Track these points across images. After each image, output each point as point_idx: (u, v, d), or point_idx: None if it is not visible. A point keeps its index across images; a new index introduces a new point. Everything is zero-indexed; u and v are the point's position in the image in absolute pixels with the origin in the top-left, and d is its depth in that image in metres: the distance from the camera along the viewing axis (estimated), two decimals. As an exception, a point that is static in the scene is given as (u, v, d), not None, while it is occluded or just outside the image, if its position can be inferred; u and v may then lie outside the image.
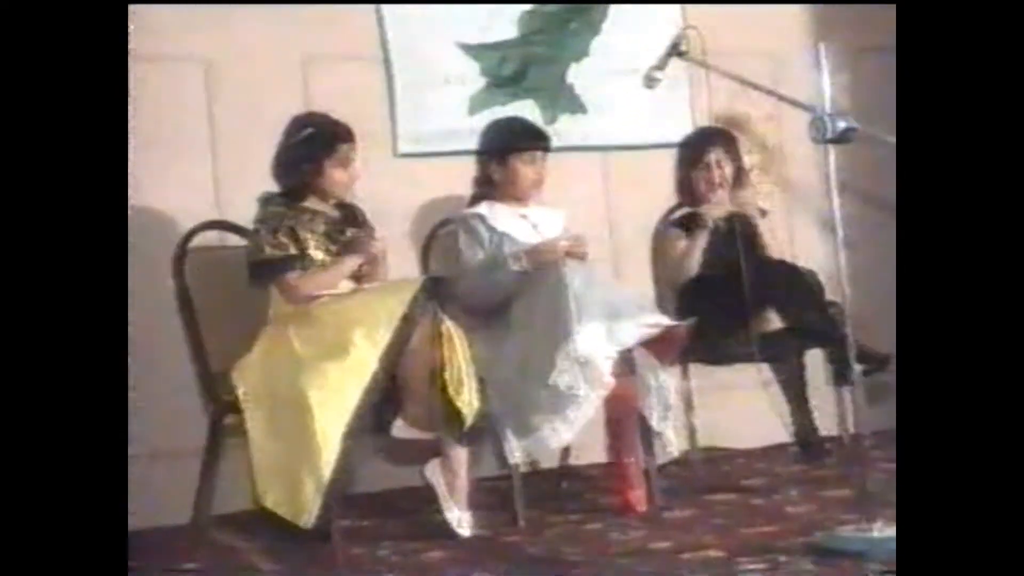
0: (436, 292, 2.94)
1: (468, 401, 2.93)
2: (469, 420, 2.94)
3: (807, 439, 3.47)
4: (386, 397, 2.90)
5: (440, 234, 3.59)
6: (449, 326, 2.95)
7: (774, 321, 3.40)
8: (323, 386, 2.80)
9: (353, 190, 3.19)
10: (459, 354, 2.94)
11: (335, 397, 2.80)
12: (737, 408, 3.86)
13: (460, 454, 3.03)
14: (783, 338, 3.38)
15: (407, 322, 2.87)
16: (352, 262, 3.09)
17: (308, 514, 2.75)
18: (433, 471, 3.01)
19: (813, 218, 3.98)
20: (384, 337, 2.85)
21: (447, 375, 2.91)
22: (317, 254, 3.08)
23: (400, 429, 2.96)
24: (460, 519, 2.98)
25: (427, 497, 3.03)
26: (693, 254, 3.61)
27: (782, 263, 3.56)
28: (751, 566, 2.41)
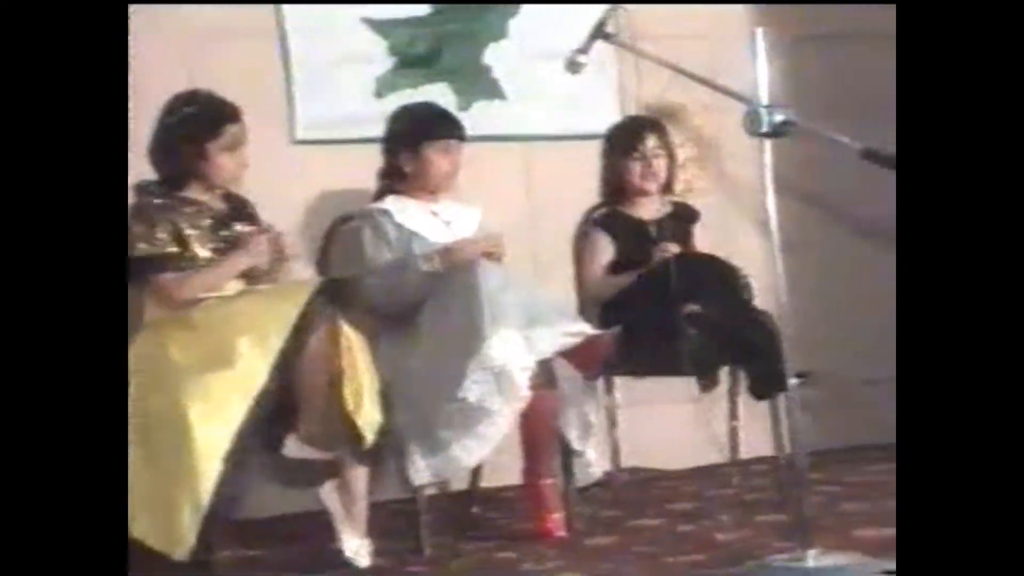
0: (335, 295, 2.92)
1: (369, 416, 2.89)
2: (370, 437, 2.90)
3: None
4: (277, 412, 2.85)
5: (341, 231, 3.52)
6: (349, 333, 2.91)
7: (702, 330, 3.38)
8: (205, 400, 2.74)
9: (242, 180, 3.11)
10: (360, 364, 2.90)
11: (218, 412, 2.74)
12: (665, 425, 3.88)
13: (359, 475, 2.98)
14: (710, 348, 3.36)
15: (302, 329, 2.82)
16: (239, 262, 3.01)
17: (183, 545, 2.67)
18: (329, 494, 2.96)
19: (753, 219, 4.05)
20: (275, 345, 2.80)
21: (346, 387, 2.87)
22: (201, 252, 3.00)
23: (293, 448, 2.90)
24: (358, 547, 2.92)
25: (323, 523, 2.99)
26: (618, 257, 3.60)
27: (707, 255, 3.55)
28: (676, 599, 2.45)
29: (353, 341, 2.92)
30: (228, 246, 3.06)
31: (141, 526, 2.71)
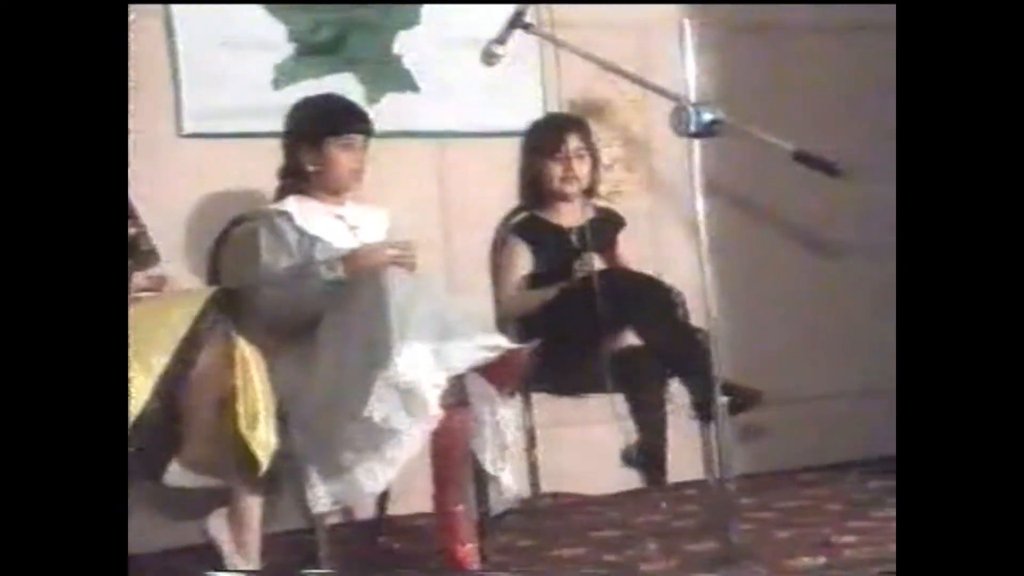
0: (229, 307, 2.87)
1: (264, 439, 2.85)
2: (264, 462, 2.85)
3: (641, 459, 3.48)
4: (159, 436, 2.81)
5: (235, 234, 3.45)
6: (244, 348, 2.86)
7: (630, 342, 3.38)
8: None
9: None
10: (255, 382, 2.86)
11: None
12: (588, 447, 3.84)
13: (252, 504, 2.93)
14: (639, 362, 3.40)
15: (191, 344, 2.78)
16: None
17: None
18: (218, 525, 2.92)
19: (684, 225, 4.07)
20: (160, 362, 2.76)
21: (240, 407, 2.84)
22: None
23: (176, 475, 2.86)
24: None
25: (210, 558, 2.95)
26: (536, 268, 3.59)
27: (639, 276, 3.54)
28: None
29: (248, 357, 2.88)
30: None
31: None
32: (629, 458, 3.45)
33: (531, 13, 3.02)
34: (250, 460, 2.86)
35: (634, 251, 3.73)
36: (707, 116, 2.55)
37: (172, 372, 2.78)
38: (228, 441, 2.84)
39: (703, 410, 3.29)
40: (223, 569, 2.91)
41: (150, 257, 3.11)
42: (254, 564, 2.93)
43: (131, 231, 3.09)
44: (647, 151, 4.27)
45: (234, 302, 2.93)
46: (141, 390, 2.75)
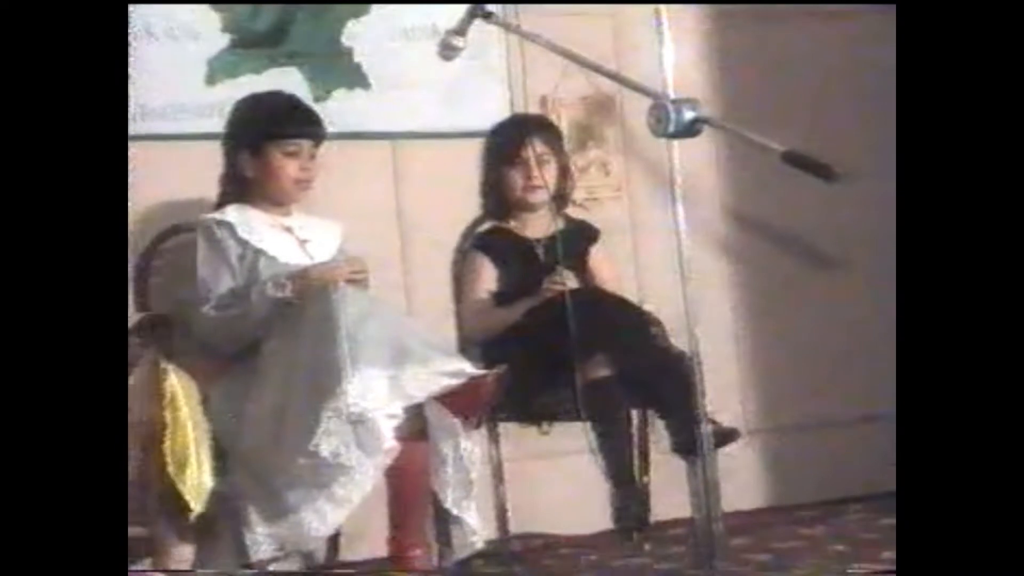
0: (156, 336, 2.87)
1: (195, 481, 2.87)
2: (196, 508, 2.87)
3: (629, 519, 3.53)
4: None
5: (167, 247, 3.46)
6: (174, 379, 2.88)
7: (602, 370, 3.41)
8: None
9: None
10: (184, 417, 2.88)
11: None
12: (562, 482, 3.89)
13: (182, 553, 2.95)
14: (610, 390, 3.43)
15: None
16: None
17: None
18: None
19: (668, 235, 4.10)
20: None
21: (167, 447, 2.85)
22: None
23: None
24: None
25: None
26: (501, 285, 3.61)
27: (612, 297, 3.58)
28: None
29: (178, 389, 2.88)
30: None
31: None
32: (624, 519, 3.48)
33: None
34: (180, 505, 2.87)
35: (607, 267, 3.74)
36: (688, 114, 2.55)
37: None
38: (155, 486, 2.86)
39: (683, 444, 3.30)
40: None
41: None
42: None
43: None
44: (625, 153, 4.28)
45: (163, 329, 2.93)
46: None
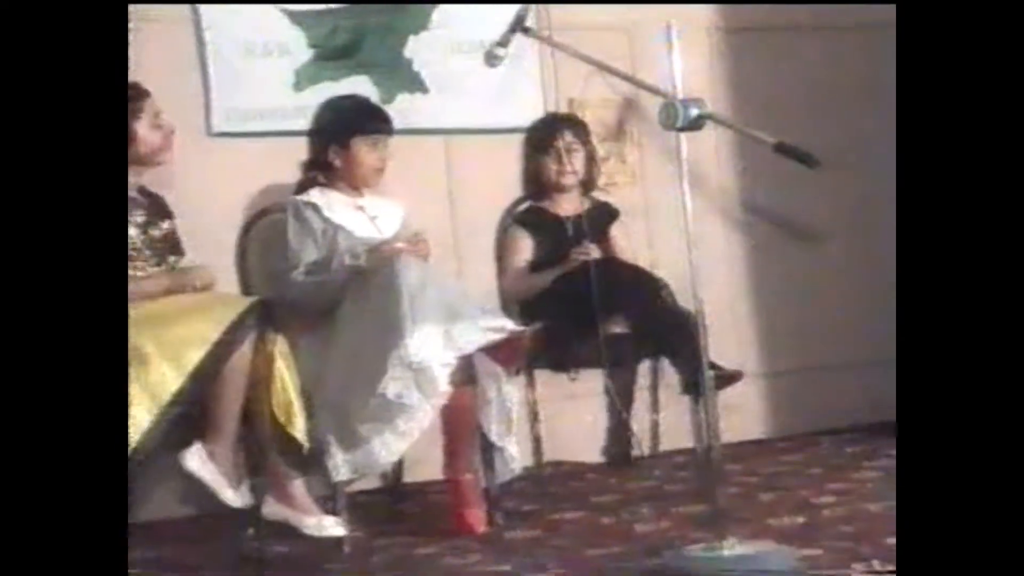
0: (265, 316, 2.93)
1: (299, 424, 2.94)
2: (307, 444, 2.95)
3: (615, 453, 3.58)
4: (187, 419, 2.84)
5: (260, 224, 3.57)
6: (276, 348, 2.93)
7: (620, 325, 3.52)
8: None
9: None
10: (286, 376, 2.95)
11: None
12: (587, 419, 3.95)
13: (298, 487, 3.04)
14: (627, 343, 3.51)
15: (222, 346, 2.85)
16: (168, 285, 3.03)
17: None
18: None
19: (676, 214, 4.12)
20: (194, 357, 2.82)
21: (275, 400, 2.92)
22: (139, 247, 3.04)
23: (193, 457, 2.84)
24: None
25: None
26: (535, 255, 3.70)
27: (629, 265, 3.68)
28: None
29: (282, 350, 2.97)
30: (164, 248, 3.11)
31: None
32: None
33: (531, 17, 3.06)
34: (293, 445, 2.96)
35: (625, 241, 3.80)
36: (693, 111, 2.59)
37: (205, 366, 2.84)
38: (268, 432, 2.92)
39: (691, 386, 3.36)
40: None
41: (178, 250, 3.19)
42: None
43: (164, 226, 3.17)
44: (640, 146, 4.30)
45: (269, 308, 2.98)
46: (170, 381, 2.81)
